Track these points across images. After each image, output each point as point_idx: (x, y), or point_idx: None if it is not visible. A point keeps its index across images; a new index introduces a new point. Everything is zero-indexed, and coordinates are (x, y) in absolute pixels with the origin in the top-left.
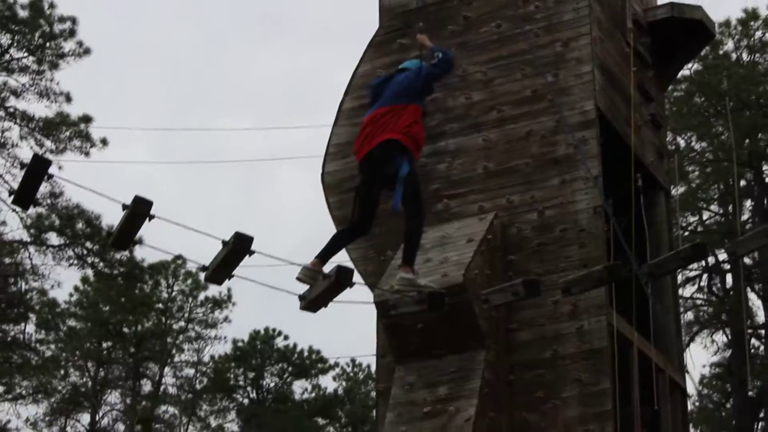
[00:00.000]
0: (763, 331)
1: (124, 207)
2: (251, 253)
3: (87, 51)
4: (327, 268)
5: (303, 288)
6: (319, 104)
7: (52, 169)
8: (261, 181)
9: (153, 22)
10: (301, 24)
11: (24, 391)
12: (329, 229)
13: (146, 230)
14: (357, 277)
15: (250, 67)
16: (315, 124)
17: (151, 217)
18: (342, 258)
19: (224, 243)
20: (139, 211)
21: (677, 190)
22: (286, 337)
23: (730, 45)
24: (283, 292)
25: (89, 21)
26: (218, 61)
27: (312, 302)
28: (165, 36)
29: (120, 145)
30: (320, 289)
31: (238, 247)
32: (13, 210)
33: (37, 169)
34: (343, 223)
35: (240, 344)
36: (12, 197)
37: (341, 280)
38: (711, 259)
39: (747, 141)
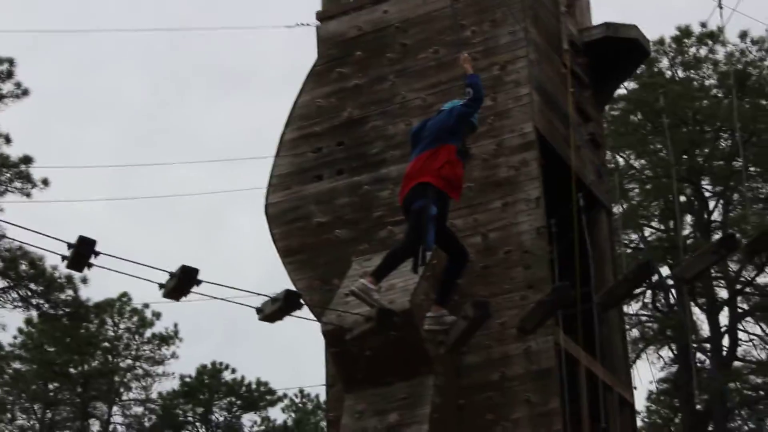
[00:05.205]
0: (708, 345)
1: (70, 246)
2: (198, 282)
3: (26, 92)
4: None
5: (259, 301)
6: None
7: None
8: (213, 222)
9: (109, 72)
10: (255, 77)
11: None
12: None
13: (92, 272)
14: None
15: (205, 118)
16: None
17: (97, 254)
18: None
19: (171, 275)
20: (83, 250)
21: (618, 208)
22: (233, 371)
23: (665, 62)
24: (232, 317)
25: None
26: (171, 111)
27: (268, 316)
28: (119, 84)
29: (71, 191)
30: (274, 309)
31: (186, 278)
32: None
33: None
34: (288, 255)
35: (188, 380)
36: None
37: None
38: (654, 276)
39: (685, 157)
